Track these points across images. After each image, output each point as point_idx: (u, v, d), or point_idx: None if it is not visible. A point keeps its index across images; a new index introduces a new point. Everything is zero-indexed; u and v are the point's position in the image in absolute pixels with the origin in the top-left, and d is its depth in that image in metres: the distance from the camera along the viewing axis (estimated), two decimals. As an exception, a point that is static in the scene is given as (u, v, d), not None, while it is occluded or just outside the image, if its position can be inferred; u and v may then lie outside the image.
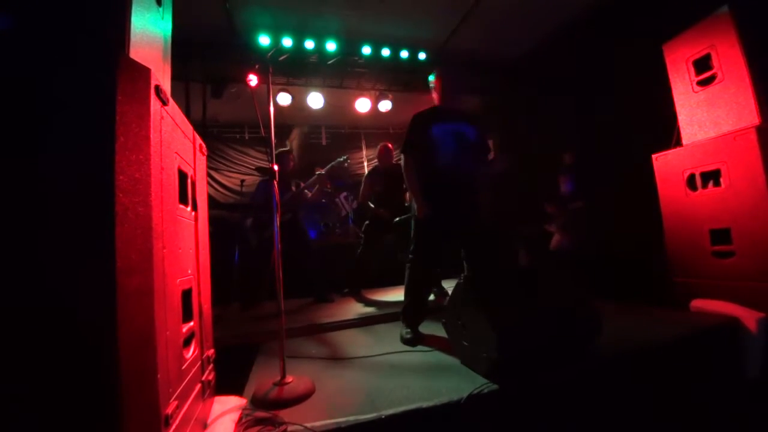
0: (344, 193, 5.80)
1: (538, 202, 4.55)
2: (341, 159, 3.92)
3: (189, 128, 1.40)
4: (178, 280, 1.16)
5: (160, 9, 1.33)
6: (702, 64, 2.56)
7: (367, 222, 3.84)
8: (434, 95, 2.45)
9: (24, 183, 0.83)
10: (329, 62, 4.74)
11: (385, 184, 3.79)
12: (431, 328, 2.36)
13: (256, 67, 2.24)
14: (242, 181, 6.04)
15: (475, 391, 1.45)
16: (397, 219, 2.56)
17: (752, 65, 2.29)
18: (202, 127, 4.45)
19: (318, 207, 5.47)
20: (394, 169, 3.90)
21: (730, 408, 1.90)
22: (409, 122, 2.42)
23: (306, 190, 3.75)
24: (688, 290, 2.54)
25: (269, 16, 4.13)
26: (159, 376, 0.92)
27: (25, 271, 0.82)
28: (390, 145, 3.99)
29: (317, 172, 3.78)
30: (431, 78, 2.44)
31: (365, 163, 7.43)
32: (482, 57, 5.23)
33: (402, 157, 2.40)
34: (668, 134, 2.82)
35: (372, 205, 3.82)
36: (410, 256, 2.37)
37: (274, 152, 1.82)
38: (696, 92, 2.60)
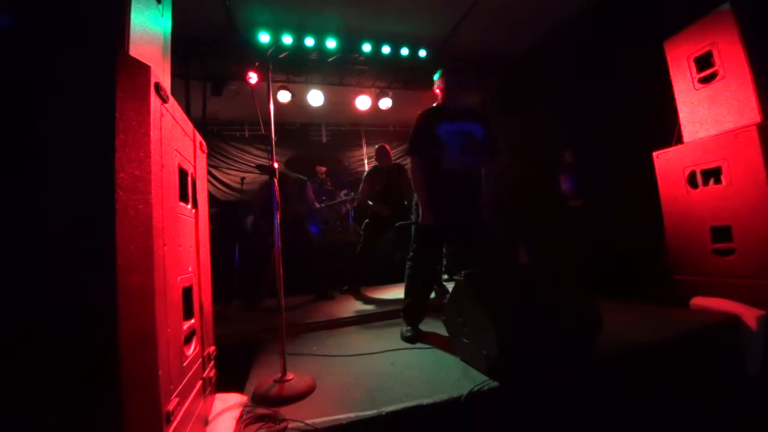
0: (345, 191, 5.81)
1: (539, 201, 4.55)
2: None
3: (189, 126, 1.40)
4: (179, 278, 1.16)
5: (160, 6, 1.33)
6: (703, 62, 2.55)
7: (366, 220, 3.85)
8: (439, 94, 2.38)
9: (24, 181, 0.83)
10: (329, 60, 4.73)
11: (384, 183, 3.80)
12: (432, 326, 2.36)
13: (256, 64, 2.23)
14: (242, 178, 6.05)
15: (475, 389, 1.45)
16: (399, 224, 2.56)
17: (753, 62, 2.28)
18: (202, 124, 4.45)
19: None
20: (393, 168, 3.91)
21: (730, 406, 1.90)
22: (415, 121, 2.36)
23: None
24: (689, 288, 2.54)
25: (269, 14, 4.12)
26: (160, 373, 0.92)
27: (26, 270, 0.82)
28: (387, 146, 4.00)
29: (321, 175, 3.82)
30: (436, 76, 2.38)
31: (365, 161, 7.43)
32: (482, 54, 5.22)
33: (410, 158, 2.33)
34: (669, 132, 2.82)
35: (371, 203, 3.83)
36: (411, 254, 2.38)
37: (274, 149, 1.82)
38: (697, 89, 2.59)
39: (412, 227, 2.43)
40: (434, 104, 2.41)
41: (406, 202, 3.59)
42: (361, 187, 3.99)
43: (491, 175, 2.36)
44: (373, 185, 3.85)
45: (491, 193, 2.33)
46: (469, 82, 2.39)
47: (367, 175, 3.97)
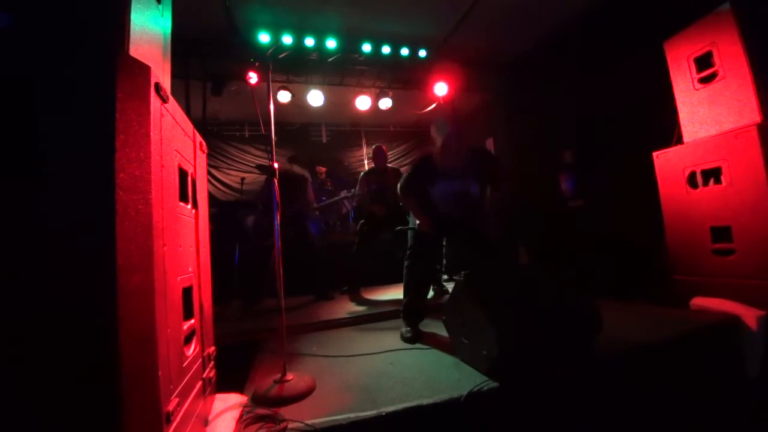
0: (345, 191, 5.82)
1: (539, 201, 4.55)
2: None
3: (189, 126, 1.40)
4: (179, 278, 1.16)
5: (160, 6, 1.33)
6: (703, 62, 2.55)
7: (362, 221, 3.84)
8: (436, 146, 2.24)
9: (24, 181, 0.83)
10: (329, 60, 4.73)
11: (380, 183, 3.79)
12: (432, 326, 2.36)
13: (256, 64, 2.24)
14: (242, 178, 6.06)
15: (475, 389, 1.45)
16: (398, 229, 2.56)
17: (753, 62, 2.28)
18: (202, 124, 4.45)
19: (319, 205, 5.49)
20: (390, 169, 3.91)
21: (730, 406, 1.90)
22: (412, 165, 2.35)
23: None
24: (689, 288, 2.54)
25: (269, 14, 4.11)
26: (160, 373, 0.92)
27: (26, 270, 0.82)
28: (384, 147, 3.98)
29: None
30: (438, 127, 2.22)
31: (365, 161, 7.44)
32: (483, 54, 5.22)
33: (400, 194, 2.35)
34: (669, 132, 2.82)
35: (367, 203, 3.83)
36: (408, 253, 2.38)
37: (274, 150, 1.82)
38: (697, 90, 2.59)
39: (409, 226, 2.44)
40: (432, 153, 2.29)
41: (401, 203, 3.59)
42: (357, 188, 4.00)
43: (495, 201, 2.37)
44: (369, 185, 3.85)
45: (495, 215, 2.36)
46: (467, 134, 2.29)
47: (362, 176, 3.97)
